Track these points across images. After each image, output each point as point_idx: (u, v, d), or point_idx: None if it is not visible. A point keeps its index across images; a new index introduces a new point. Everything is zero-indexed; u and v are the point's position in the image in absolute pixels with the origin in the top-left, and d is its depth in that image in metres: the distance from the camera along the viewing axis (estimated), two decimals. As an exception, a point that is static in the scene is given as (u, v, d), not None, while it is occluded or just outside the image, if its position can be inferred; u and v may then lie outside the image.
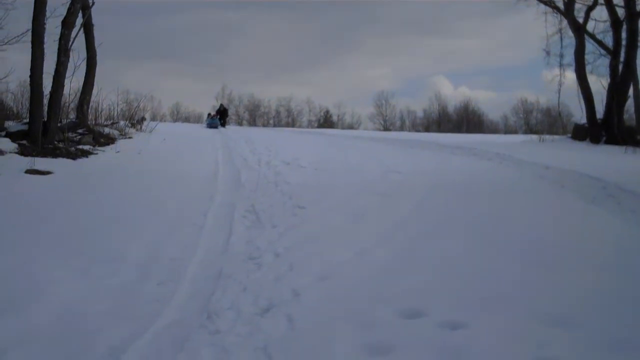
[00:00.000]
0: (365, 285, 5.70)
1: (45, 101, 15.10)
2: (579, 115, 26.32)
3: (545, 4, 26.11)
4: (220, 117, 34.63)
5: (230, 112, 45.42)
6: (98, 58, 19.29)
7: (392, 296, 5.31)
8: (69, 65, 15.79)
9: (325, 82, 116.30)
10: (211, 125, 31.79)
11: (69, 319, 5.00)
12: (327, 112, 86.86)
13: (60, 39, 15.25)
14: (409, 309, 4.98)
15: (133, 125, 20.79)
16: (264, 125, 72.23)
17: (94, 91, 19.33)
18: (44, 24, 14.53)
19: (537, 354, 4.14)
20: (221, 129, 30.75)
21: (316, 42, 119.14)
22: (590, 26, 25.65)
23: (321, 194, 10.35)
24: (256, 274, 6.16)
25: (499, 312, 4.89)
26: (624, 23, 23.69)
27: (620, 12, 23.89)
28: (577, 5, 25.33)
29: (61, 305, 5.27)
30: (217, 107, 37.95)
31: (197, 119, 73.55)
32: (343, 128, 70.06)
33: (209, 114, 35.68)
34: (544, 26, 28.41)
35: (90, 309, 5.22)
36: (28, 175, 11.26)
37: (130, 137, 18.68)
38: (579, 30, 24.98)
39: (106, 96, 26.53)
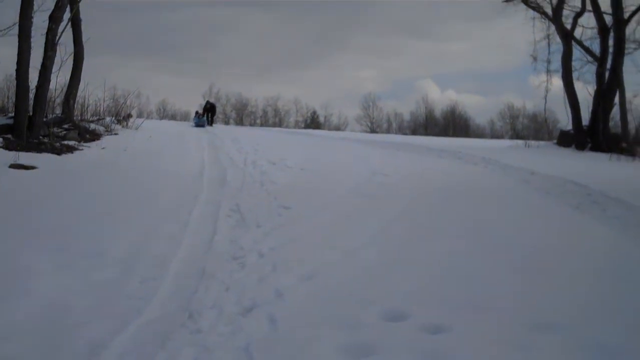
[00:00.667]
0: (349, 286, 5.69)
1: (31, 95, 14.99)
2: (565, 122, 26.55)
3: (534, 9, 26.23)
4: (208, 115, 33.07)
5: (218, 110, 42.62)
6: (85, 53, 19.20)
7: (376, 298, 5.30)
8: (56, 59, 15.69)
9: (313, 83, 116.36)
10: (199, 124, 30.10)
11: (51, 314, 4.98)
12: (315, 112, 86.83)
13: (47, 33, 15.14)
14: (392, 311, 4.97)
15: (119, 122, 20.67)
16: (251, 125, 72.03)
17: (81, 86, 19.24)
18: (31, 17, 14.42)
19: (521, 359, 4.14)
20: (208, 127, 29.79)
21: (305, 42, 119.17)
22: (577, 33, 25.89)
23: (307, 195, 10.34)
24: (239, 274, 6.15)
25: (483, 316, 4.89)
26: (611, 30, 23.85)
27: (608, 19, 24.09)
28: (565, 12, 25.54)
29: (44, 300, 5.26)
30: (204, 104, 35.91)
31: (184, 117, 73.30)
32: (330, 129, 70.03)
33: (197, 113, 33.49)
34: (532, 31, 28.48)
35: (73, 304, 5.20)
36: (12, 169, 11.17)
37: (116, 134, 18.58)
38: (567, 37, 25.14)
39: (93, 92, 26.36)
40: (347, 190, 10.88)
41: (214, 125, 33.24)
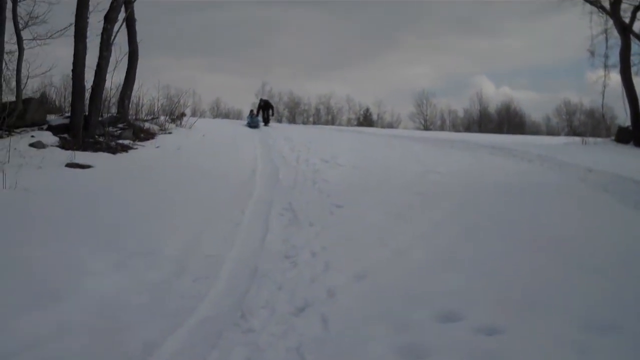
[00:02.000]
0: (401, 286, 5.63)
1: (87, 95, 15.25)
2: (623, 118, 25.86)
3: (591, 3, 25.64)
4: (263, 113, 29.82)
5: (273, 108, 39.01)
6: (140, 53, 19.45)
7: (429, 298, 5.24)
8: (111, 59, 15.96)
9: (365, 80, 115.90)
10: (252, 124, 26.80)
11: (105, 313, 5.04)
12: (367, 110, 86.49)
13: (102, 34, 15.41)
14: (445, 312, 4.90)
15: (173, 121, 20.85)
16: (303, 123, 72.14)
17: (135, 86, 19.46)
18: (87, 18, 14.69)
19: (577, 361, 4.04)
20: (262, 127, 27.45)
21: (357, 39, 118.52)
22: (636, 26, 25.13)
23: (359, 193, 10.30)
24: (292, 273, 6.14)
25: (538, 316, 4.78)
26: (673, 23, 23.23)
27: (669, 12, 23.44)
28: (623, 5, 24.86)
29: (98, 299, 5.32)
30: (258, 102, 31.64)
31: (237, 115, 73.93)
32: (383, 127, 69.67)
33: (251, 111, 29.78)
34: (589, 26, 27.82)
35: (127, 303, 5.26)
36: (68, 168, 11.39)
37: (170, 133, 18.76)
38: (625, 31, 24.53)
39: (147, 91, 26.60)
40: (399, 188, 10.80)
41: (269, 124, 29.95)
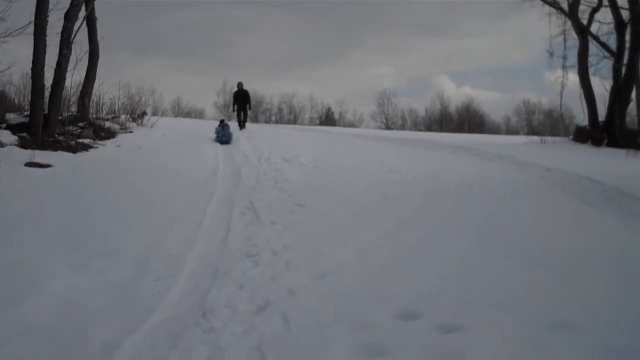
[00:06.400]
0: (363, 285, 5.68)
1: (47, 94, 15.07)
2: (581, 117, 26.28)
3: (550, 5, 25.99)
4: (240, 114, 23.53)
5: (230, 110, 28.38)
6: (100, 52, 19.27)
7: (390, 297, 5.28)
8: (71, 58, 15.76)
9: (328, 80, 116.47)
10: (223, 139, 18.69)
11: (66, 313, 5.00)
12: (329, 109, 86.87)
13: (62, 32, 15.21)
14: (406, 311, 4.95)
15: (134, 120, 20.70)
16: (266, 122, 72.01)
17: (96, 84, 19.30)
18: (47, 16, 14.49)
19: (536, 359, 4.11)
20: (236, 134, 19.77)
21: (320, 39, 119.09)
22: (594, 28, 25.58)
23: (321, 192, 10.35)
24: (253, 272, 6.15)
25: (498, 315, 4.86)
26: (628, 25, 23.59)
27: (625, 14, 23.79)
28: (581, 7, 25.26)
29: (58, 300, 5.27)
30: (235, 91, 24.22)
31: (198, 114, 73.63)
32: (344, 126, 69.92)
33: (221, 121, 20.78)
34: (548, 27, 28.33)
35: (87, 304, 5.22)
36: (28, 168, 11.24)
37: (131, 132, 18.62)
38: (583, 32, 24.92)
39: (108, 90, 26.24)
40: (361, 188, 10.87)
41: (245, 126, 23.55)
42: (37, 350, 4.31)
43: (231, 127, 19.97)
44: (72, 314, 4.98)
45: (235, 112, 23.93)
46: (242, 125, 23.42)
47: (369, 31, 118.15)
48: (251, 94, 24.59)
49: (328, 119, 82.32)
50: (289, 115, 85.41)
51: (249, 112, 24.83)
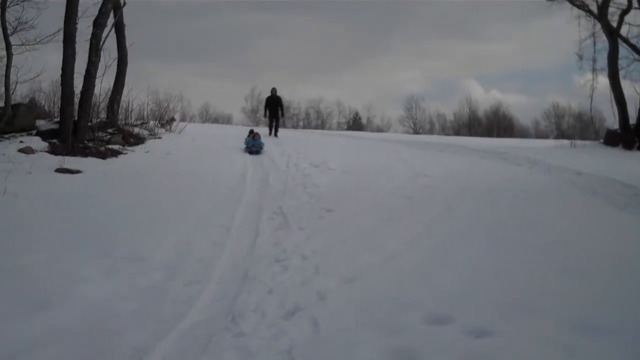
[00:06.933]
0: (391, 289, 5.64)
1: (76, 100, 15.23)
2: (612, 121, 25.99)
3: (579, 7, 25.77)
4: (272, 121, 23.07)
5: (259, 114, 28.54)
6: (129, 58, 19.44)
7: (419, 301, 5.25)
8: (100, 65, 15.96)
9: (356, 85, 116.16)
10: (252, 149, 17.51)
11: (95, 319, 5.00)
12: (357, 114, 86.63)
13: (91, 39, 15.39)
14: (435, 315, 4.92)
15: (162, 126, 20.87)
16: (293, 127, 72.12)
17: (125, 91, 19.53)
18: (76, 23, 14.70)
19: (566, 362, 4.06)
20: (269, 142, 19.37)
21: (347, 43, 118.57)
22: (624, 30, 25.30)
23: (349, 197, 10.32)
24: (282, 277, 6.13)
25: (527, 318, 4.82)
26: (659, 27, 23.37)
27: (655, 16, 23.58)
28: (610, 9, 25.02)
29: (88, 305, 5.28)
30: (268, 96, 23.58)
31: (226, 120, 73.95)
32: (372, 131, 69.78)
33: (250, 131, 19.95)
34: (577, 30, 28.07)
35: (117, 309, 5.22)
36: (58, 174, 11.36)
37: (159, 137, 18.77)
38: (613, 35, 24.67)
39: (136, 96, 26.59)
40: (389, 192, 10.83)
41: (278, 134, 23.22)
42: (67, 355, 4.32)
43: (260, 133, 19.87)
44: (102, 319, 4.99)
45: (267, 118, 23.59)
46: (274, 132, 23.04)
47: (395, 35, 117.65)
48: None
49: (355, 124, 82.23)
50: (316, 121, 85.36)
51: (281, 119, 24.22)
